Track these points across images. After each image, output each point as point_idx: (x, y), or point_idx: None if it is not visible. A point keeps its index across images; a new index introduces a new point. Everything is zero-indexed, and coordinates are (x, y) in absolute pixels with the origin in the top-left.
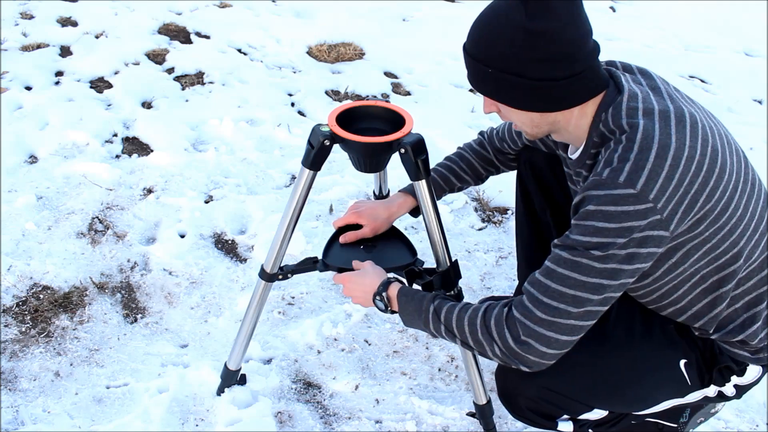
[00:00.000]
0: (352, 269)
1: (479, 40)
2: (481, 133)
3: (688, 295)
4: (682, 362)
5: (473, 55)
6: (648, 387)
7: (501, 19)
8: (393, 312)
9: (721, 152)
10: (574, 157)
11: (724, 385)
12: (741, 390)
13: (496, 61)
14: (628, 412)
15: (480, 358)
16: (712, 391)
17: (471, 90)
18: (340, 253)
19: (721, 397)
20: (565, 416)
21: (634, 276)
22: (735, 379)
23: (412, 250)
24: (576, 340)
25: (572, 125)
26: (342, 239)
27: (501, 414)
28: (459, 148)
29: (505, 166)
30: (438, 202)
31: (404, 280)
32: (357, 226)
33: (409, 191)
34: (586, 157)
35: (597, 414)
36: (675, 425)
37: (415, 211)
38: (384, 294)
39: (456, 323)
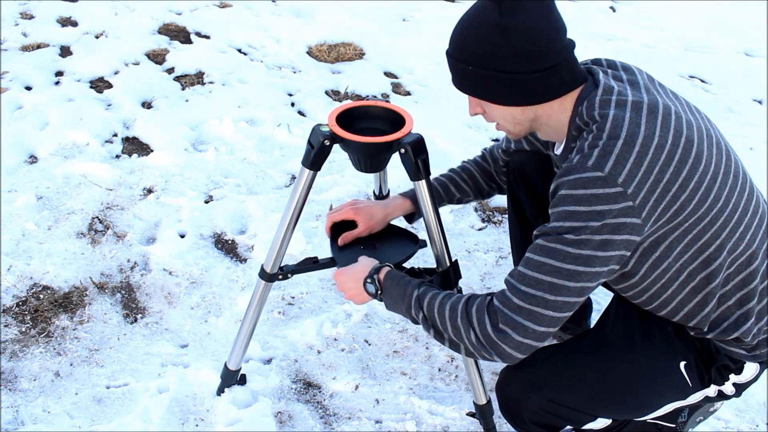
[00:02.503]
0: None
1: (458, 40)
2: (484, 149)
3: (678, 295)
4: (682, 364)
5: (453, 55)
6: (651, 392)
7: (477, 18)
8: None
9: (696, 144)
10: (558, 152)
11: (723, 384)
12: (740, 388)
13: (474, 57)
14: (631, 418)
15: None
16: (712, 390)
17: None
18: (345, 255)
19: (722, 396)
20: (569, 427)
21: (608, 265)
22: (733, 378)
23: (413, 238)
24: (550, 334)
25: (553, 121)
26: (340, 241)
27: (501, 414)
28: (463, 161)
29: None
30: None
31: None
32: (352, 225)
33: (409, 195)
34: (568, 152)
35: (601, 423)
36: (673, 425)
37: (410, 217)
38: (375, 276)
39: (437, 309)
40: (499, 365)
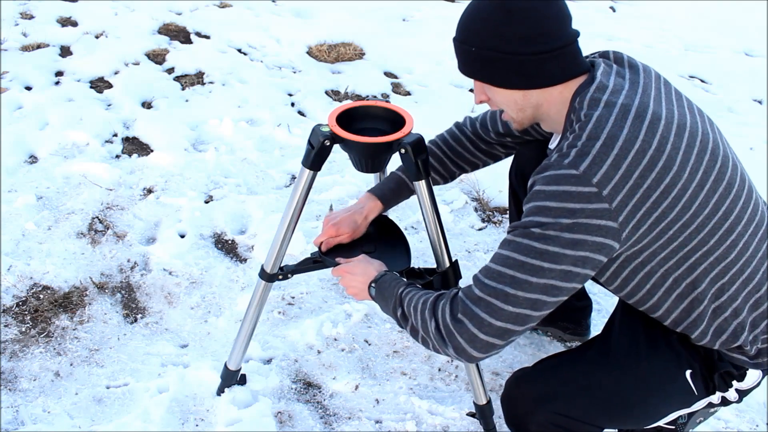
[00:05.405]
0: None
1: (464, 24)
2: (455, 123)
3: (665, 302)
4: (688, 372)
5: (459, 39)
6: (658, 402)
7: (482, 2)
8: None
9: (683, 151)
10: (552, 147)
11: (727, 390)
12: (742, 394)
13: (477, 39)
14: (637, 428)
15: None
16: (716, 397)
17: (471, 90)
18: (348, 258)
19: (724, 403)
20: None
21: (578, 266)
22: (736, 384)
23: (400, 236)
24: (512, 333)
25: (553, 111)
26: (324, 247)
27: (501, 414)
28: (429, 142)
29: (487, 156)
30: (438, 202)
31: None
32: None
33: (377, 194)
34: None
35: None
36: (673, 427)
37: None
38: (373, 285)
39: (413, 305)
40: (501, 365)
